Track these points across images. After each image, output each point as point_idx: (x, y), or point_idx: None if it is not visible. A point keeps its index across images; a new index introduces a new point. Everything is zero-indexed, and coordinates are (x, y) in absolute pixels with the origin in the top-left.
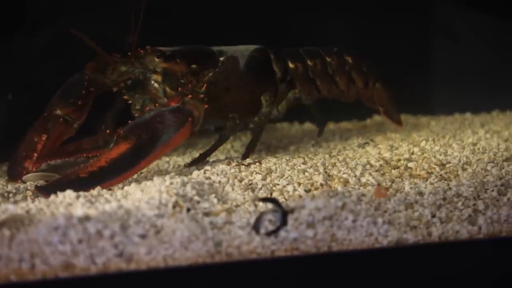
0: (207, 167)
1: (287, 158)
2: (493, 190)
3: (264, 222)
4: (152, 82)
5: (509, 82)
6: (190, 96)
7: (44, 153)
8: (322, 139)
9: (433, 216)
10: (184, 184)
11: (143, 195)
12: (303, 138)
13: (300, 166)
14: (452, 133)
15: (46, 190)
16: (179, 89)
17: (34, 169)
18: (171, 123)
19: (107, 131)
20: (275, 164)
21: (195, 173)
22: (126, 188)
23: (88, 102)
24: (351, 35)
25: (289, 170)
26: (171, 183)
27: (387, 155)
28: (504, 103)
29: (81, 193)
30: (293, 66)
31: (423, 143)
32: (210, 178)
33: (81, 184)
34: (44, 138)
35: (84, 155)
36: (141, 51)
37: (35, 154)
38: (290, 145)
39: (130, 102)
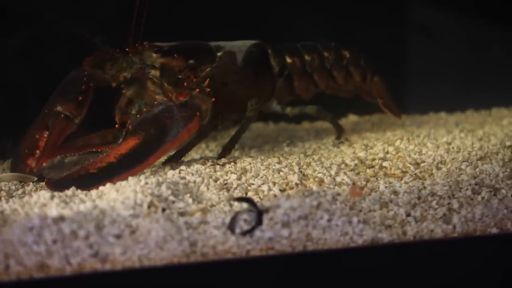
0: (182, 167)
1: (262, 157)
2: (467, 189)
3: (239, 221)
4: (150, 77)
5: (483, 81)
6: (197, 90)
7: (52, 149)
8: (297, 139)
9: (408, 215)
10: (159, 184)
11: (118, 195)
12: (277, 138)
13: (275, 165)
14: (427, 132)
15: (58, 185)
16: (185, 83)
17: (44, 164)
18: (179, 118)
19: (116, 125)
20: (250, 163)
21: (170, 173)
22: (101, 188)
23: (88, 97)
24: (325, 32)
25: (264, 170)
26: (146, 183)
27: (362, 154)
28: (479, 102)
29: (56, 193)
30: (290, 61)
31: (397, 142)
32: (185, 178)
33: (91, 179)
34: (45, 135)
35: (94, 150)
36: (139, 46)
37: (37, 152)
38: (265, 145)
39: (129, 97)
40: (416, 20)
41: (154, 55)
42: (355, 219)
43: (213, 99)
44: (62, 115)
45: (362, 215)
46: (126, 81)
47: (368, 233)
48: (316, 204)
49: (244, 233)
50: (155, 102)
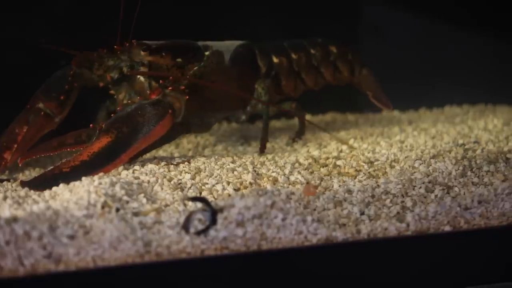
0: (136, 167)
1: (216, 157)
2: (420, 187)
3: (193, 221)
4: (138, 76)
5: (435, 80)
6: (170, 88)
7: (28, 148)
8: (251, 139)
9: (362, 213)
10: (113, 184)
11: (72, 195)
12: (231, 137)
13: (229, 165)
14: (380, 131)
15: (31, 185)
16: (160, 81)
17: (20, 164)
18: (151, 115)
19: (91, 125)
20: (204, 163)
21: (124, 173)
22: (54, 188)
23: (71, 98)
24: (278, 32)
25: (218, 169)
26: (100, 183)
27: (315, 153)
28: (431, 101)
29: (9, 193)
30: (277, 60)
31: (351, 141)
32: (139, 178)
33: (64, 178)
34: (25, 130)
35: (68, 149)
36: (127, 44)
37: (15, 145)
38: (218, 144)
39: (116, 96)
40: (369, 19)
41: (142, 53)
42: (309, 218)
43: (187, 97)
44: (42, 113)
45: (316, 214)
46: (113, 81)
47: (322, 232)
48: (271, 203)
49: (198, 233)
50: (139, 98)
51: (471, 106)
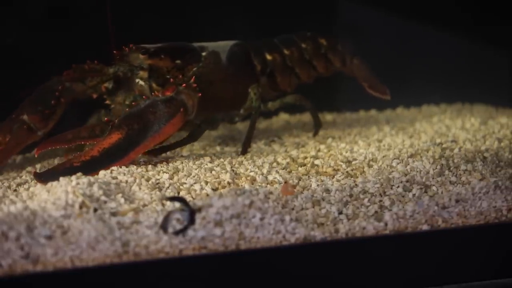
0: (114, 167)
1: (194, 157)
2: (398, 186)
3: (171, 221)
4: (138, 80)
5: (413, 79)
6: (184, 85)
7: (8, 156)
8: (229, 138)
9: (340, 213)
10: (90, 184)
11: (49, 195)
12: (209, 137)
13: (207, 164)
14: (358, 130)
15: (43, 177)
16: (171, 80)
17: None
18: (162, 113)
19: (105, 119)
20: (182, 163)
21: (102, 172)
22: (31, 189)
23: (56, 112)
24: (255, 32)
25: (196, 169)
26: (78, 183)
27: (293, 152)
28: (409, 100)
29: None
30: (271, 57)
31: (329, 141)
32: (116, 178)
33: (75, 172)
34: (7, 139)
35: (82, 142)
36: (126, 49)
37: None
38: (196, 144)
39: (112, 106)
40: (347, 17)
41: (141, 56)
42: (287, 218)
43: (200, 94)
44: (25, 126)
45: (294, 214)
46: (108, 91)
47: (301, 231)
48: (249, 202)
49: (176, 233)
50: (144, 97)
51: (449, 105)
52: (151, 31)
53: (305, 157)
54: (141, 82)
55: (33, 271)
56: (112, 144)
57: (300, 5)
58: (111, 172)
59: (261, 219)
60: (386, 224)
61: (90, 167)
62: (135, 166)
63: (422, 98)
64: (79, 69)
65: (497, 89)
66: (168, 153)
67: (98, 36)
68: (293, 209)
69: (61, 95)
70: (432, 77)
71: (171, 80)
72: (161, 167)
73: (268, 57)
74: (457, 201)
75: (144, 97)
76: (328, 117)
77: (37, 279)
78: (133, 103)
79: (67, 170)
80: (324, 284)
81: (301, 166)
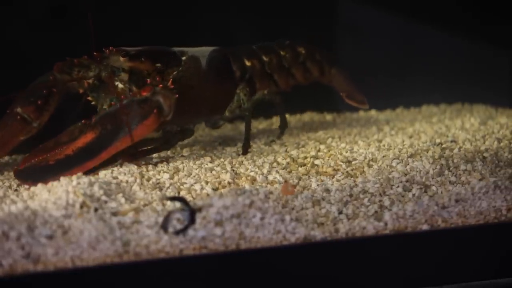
0: (114, 167)
1: (194, 157)
2: (398, 186)
3: (172, 221)
4: (118, 82)
5: (413, 79)
6: (161, 85)
7: (3, 149)
8: (229, 139)
9: (340, 212)
10: (91, 184)
11: (50, 195)
12: (209, 137)
13: (207, 164)
14: (358, 130)
15: (21, 174)
16: (148, 81)
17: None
18: (135, 114)
19: (83, 120)
20: (182, 163)
21: (102, 172)
22: (32, 188)
23: (50, 103)
24: (254, 33)
25: (196, 169)
26: (78, 183)
27: (294, 152)
28: (409, 100)
29: None
30: (249, 63)
31: (329, 141)
32: (117, 178)
33: (49, 171)
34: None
35: (64, 147)
36: (106, 51)
37: None
38: (196, 144)
39: (94, 103)
40: (348, 18)
41: (122, 58)
42: (287, 217)
43: (177, 96)
44: (19, 117)
45: (294, 213)
46: (89, 88)
47: (301, 231)
48: (249, 202)
49: (177, 232)
50: (122, 97)
51: (448, 106)
52: (136, 33)
53: (305, 157)
54: (121, 85)
55: (33, 270)
56: (86, 144)
57: (301, 5)
58: (111, 172)
59: (261, 219)
60: (386, 224)
61: (63, 167)
62: (135, 166)
63: (422, 98)
64: (68, 62)
65: (497, 89)
66: (169, 153)
67: (98, 36)
68: (293, 209)
69: (52, 85)
70: (432, 77)
71: (148, 81)
72: (162, 167)
73: (247, 63)
74: (456, 201)
75: (122, 97)
76: (328, 117)
77: (38, 279)
78: (112, 103)
79: (42, 168)
80: (324, 284)
81: (301, 166)
